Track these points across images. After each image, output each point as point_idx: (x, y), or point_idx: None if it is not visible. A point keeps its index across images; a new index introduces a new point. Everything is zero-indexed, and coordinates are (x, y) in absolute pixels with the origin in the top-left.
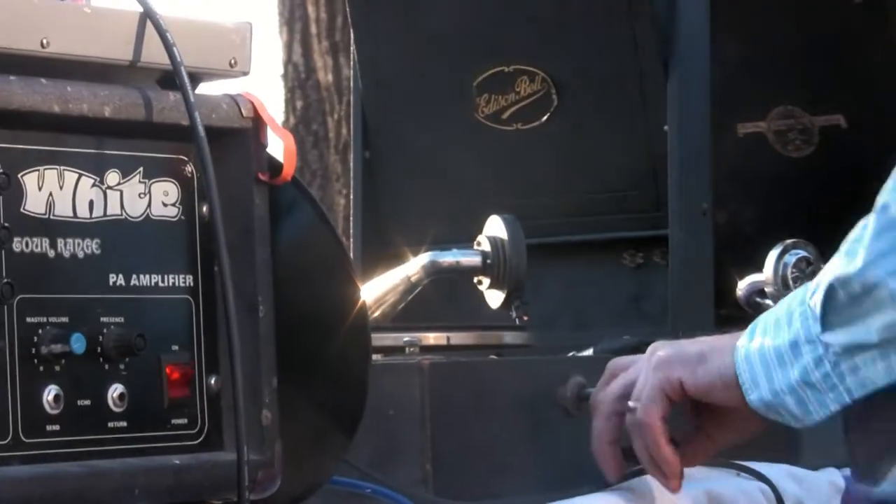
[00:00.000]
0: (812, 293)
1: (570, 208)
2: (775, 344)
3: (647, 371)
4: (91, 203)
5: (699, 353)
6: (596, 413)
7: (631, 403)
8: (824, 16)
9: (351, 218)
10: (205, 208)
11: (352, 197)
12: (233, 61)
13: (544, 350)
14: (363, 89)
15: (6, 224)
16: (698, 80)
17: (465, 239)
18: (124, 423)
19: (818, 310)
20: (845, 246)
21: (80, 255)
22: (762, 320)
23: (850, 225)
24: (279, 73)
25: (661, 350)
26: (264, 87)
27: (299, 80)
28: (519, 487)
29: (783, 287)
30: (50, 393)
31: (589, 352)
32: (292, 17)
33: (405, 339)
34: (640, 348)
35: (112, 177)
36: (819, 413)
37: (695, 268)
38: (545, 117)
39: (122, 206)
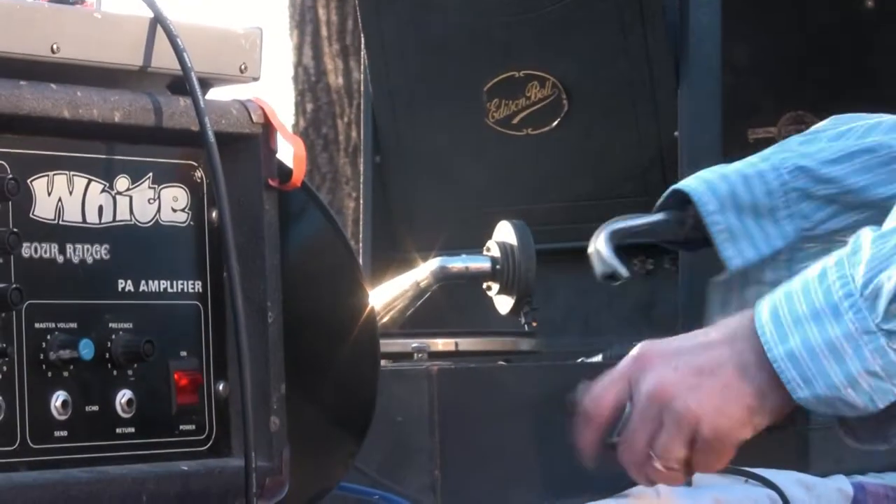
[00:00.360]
0: (863, 285)
1: (580, 214)
2: (825, 338)
3: (653, 417)
4: (100, 208)
5: (717, 395)
6: (588, 421)
7: (617, 441)
8: (835, 21)
9: (361, 223)
10: (214, 214)
11: (362, 202)
12: (243, 66)
13: (553, 356)
14: (373, 94)
15: (15, 229)
16: (709, 86)
17: (475, 244)
18: (132, 430)
19: (883, 299)
20: (888, 225)
21: (89, 260)
22: (784, 323)
23: None
24: (289, 75)
25: (675, 399)
26: (274, 89)
27: (309, 83)
28: (527, 493)
29: None
30: (58, 399)
31: (598, 358)
32: (303, 19)
33: (413, 344)
34: None
35: (121, 182)
36: (882, 401)
37: (705, 274)
38: (555, 122)
39: (131, 212)
